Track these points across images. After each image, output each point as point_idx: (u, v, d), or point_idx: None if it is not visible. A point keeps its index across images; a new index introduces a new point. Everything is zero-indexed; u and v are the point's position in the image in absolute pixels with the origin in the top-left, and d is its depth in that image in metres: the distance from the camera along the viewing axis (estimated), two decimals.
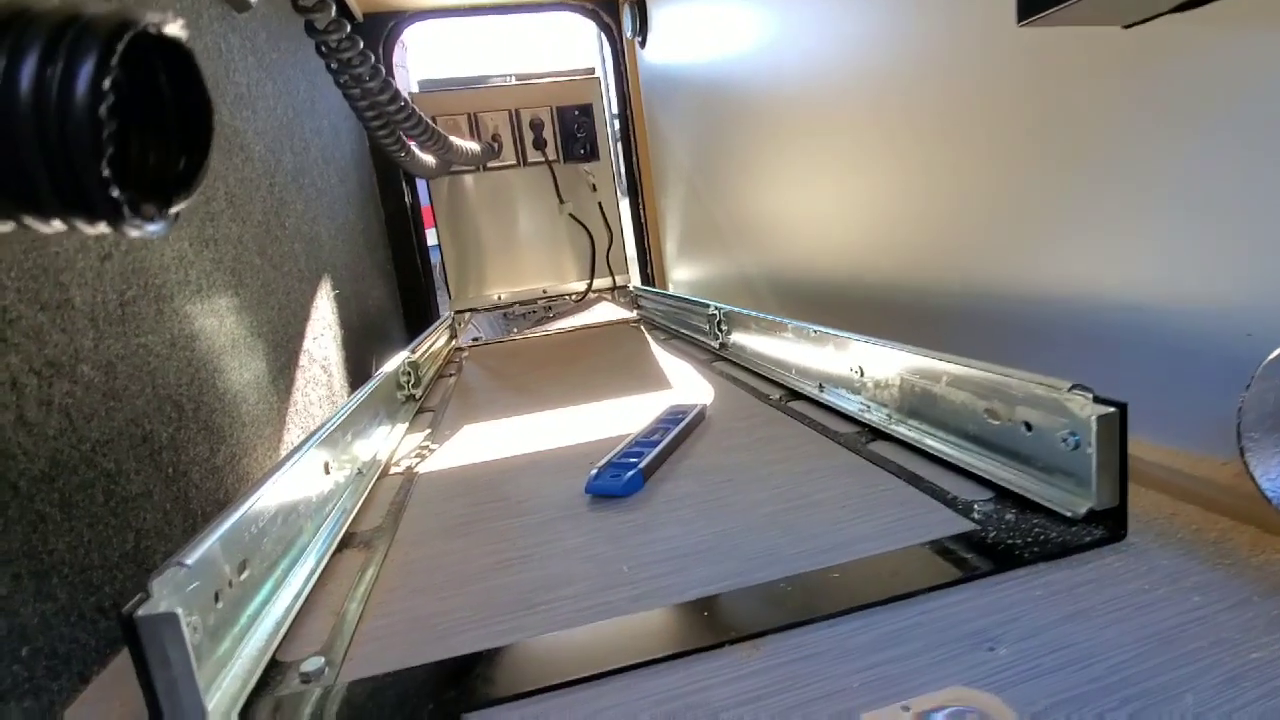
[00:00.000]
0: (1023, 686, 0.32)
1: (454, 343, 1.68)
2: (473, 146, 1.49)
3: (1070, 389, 0.45)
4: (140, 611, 0.31)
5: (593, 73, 1.86)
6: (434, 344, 1.39)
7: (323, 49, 1.01)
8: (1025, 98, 0.63)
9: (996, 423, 0.53)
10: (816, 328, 0.81)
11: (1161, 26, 0.47)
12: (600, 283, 1.88)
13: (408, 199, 1.78)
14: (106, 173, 0.18)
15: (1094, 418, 0.43)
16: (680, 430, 0.74)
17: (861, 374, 0.72)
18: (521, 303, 1.87)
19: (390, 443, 0.84)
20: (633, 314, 1.77)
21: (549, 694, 0.36)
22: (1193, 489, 0.48)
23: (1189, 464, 0.49)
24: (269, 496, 0.47)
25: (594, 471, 0.63)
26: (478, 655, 0.40)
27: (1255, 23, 0.43)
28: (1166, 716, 0.29)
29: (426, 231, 1.87)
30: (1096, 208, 0.57)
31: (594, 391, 1.05)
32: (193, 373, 0.61)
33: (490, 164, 1.75)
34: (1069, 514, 0.46)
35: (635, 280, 1.94)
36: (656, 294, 1.64)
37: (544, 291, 1.87)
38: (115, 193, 0.18)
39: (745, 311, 1.05)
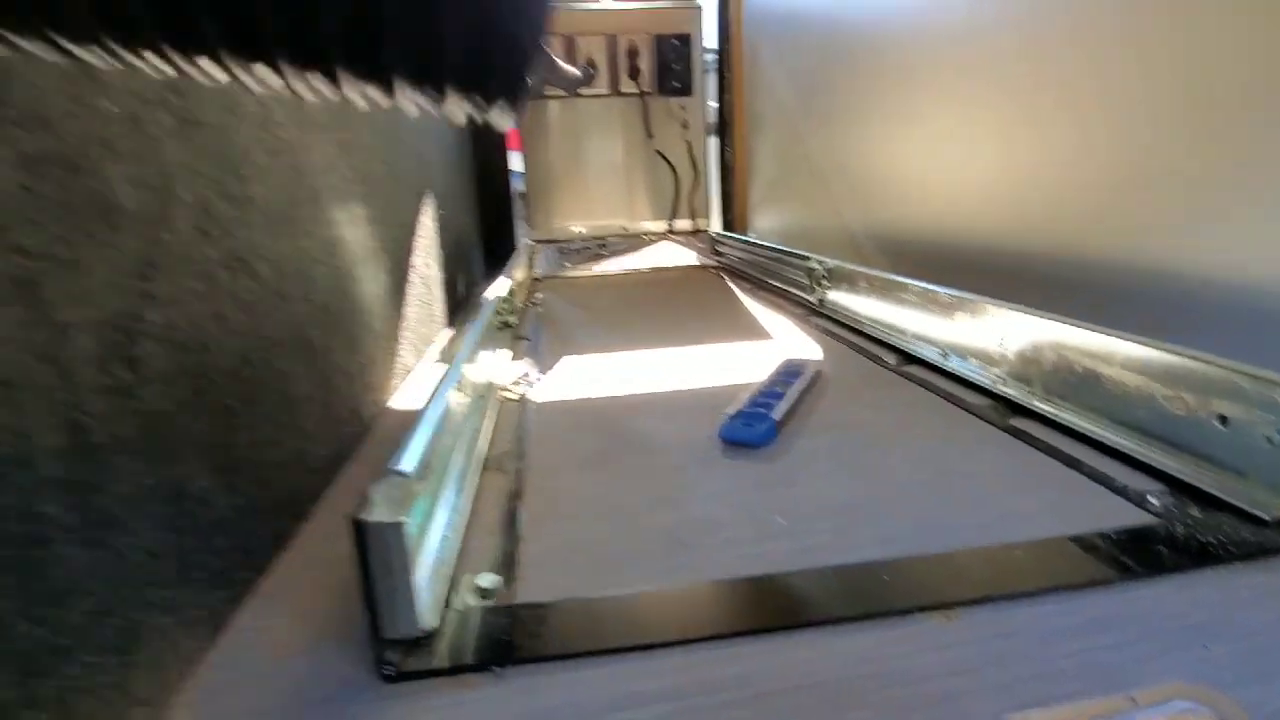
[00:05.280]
0: (1252, 688, 0.31)
1: (533, 272, 1.67)
2: (573, 71, 1.43)
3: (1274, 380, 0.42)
4: (371, 517, 0.31)
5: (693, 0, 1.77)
6: (518, 272, 1.38)
7: None
8: (1225, 45, 0.56)
9: (1181, 413, 0.50)
10: (949, 291, 0.77)
11: None
12: (680, 224, 1.83)
13: None
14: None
15: None
16: (803, 384, 0.72)
17: (1001, 344, 0.69)
18: (597, 238, 1.84)
19: (498, 368, 0.85)
20: (710, 260, 1.73)
21: (727, 641, 0.35)
22: None
23: None
24: (435, 412, 0.47)
25: (725, 418, 0.62)
26: (647, 594, 0.40)
27: None
28: None
29: (508, 155, 1.83)
30: (1268, 175, 0.52)
31: (690, 335, 1.03)
32: (336, 280, 0.61)
33: (584, 91, 1.69)
34: (1263, 515, 0.43)
35: (716, 225, 1.89)
36: (741, 241, 1.60)
37: (623, 229, 1.83)
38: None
39: (856, 268, 1.01)
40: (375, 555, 0.32)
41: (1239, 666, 0.32)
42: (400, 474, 0.34)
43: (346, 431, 0.61)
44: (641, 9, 1.69)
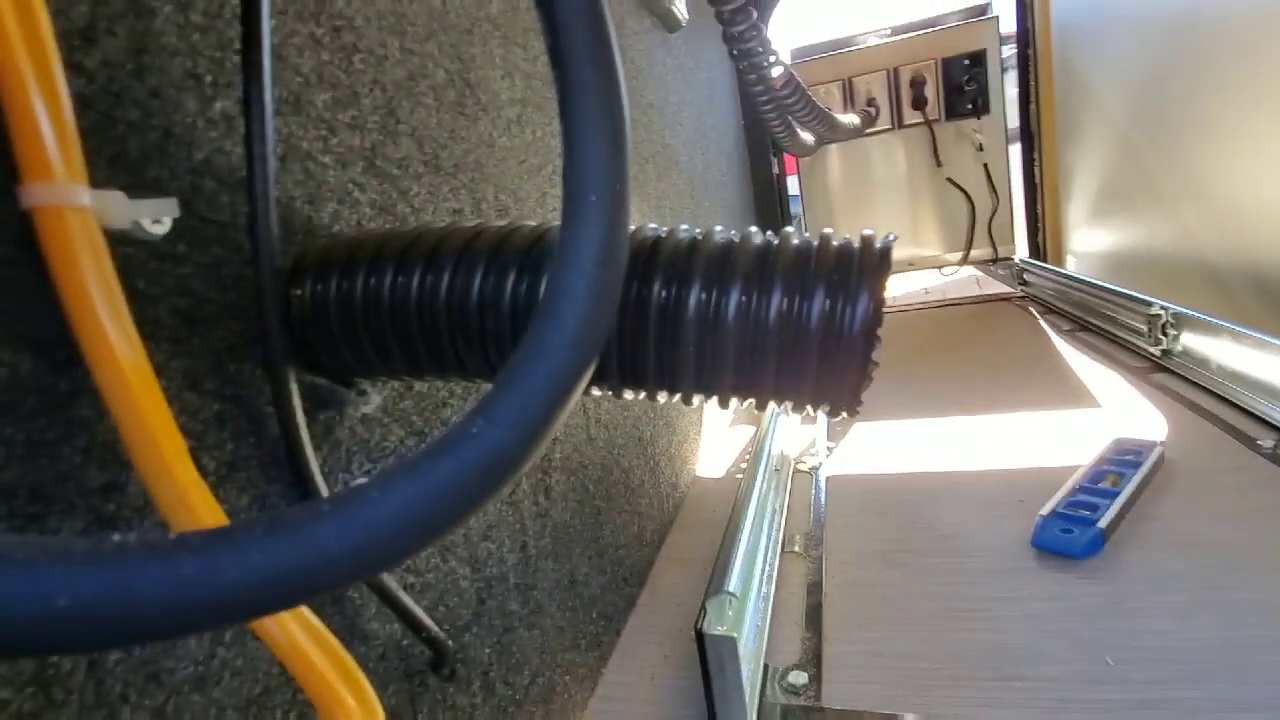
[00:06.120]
0: None
1: None
2: (853, 120, 1.44)
3: None
4: (708, 630, 0.40)
5: (985, 12, 1.63)
6: None
7: (730, 43, 1.07)
8: None
9: None
10: None
11: None
12: (977, 253, 1.69)
13: (774, 170, 1.82)
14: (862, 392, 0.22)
15: None
16: (1139, 476, 0.64)
17: None
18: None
19: (791, 436, 0.90)
20: (1015, 291, 1.57)
21: None
22: None
23: None
24: (746, 511, 0.54)
25: (1040, 519, 0.59)
26: None
27: None
28: None
29: (787, 179, 1.88)
30: None
31: (996, 396, 0.97)
32: None
33: (866, 131, 1.68)
34: None
35: (1021, 252, 1.70)
36: (1054, 272, 1.42)
37: (909, 263, 1.76)
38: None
39: (1218, 321, 0.85)
40: (713, 661, 0.40)
41: None
42: (730, 594, 0.41)
43: (669, 504, 0.72)
44: (926, 35, 1.61)
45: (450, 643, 0.33)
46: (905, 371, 1.16)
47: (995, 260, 1.68)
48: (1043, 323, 1.33)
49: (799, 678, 0.46)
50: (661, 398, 0.26)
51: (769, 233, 0.25)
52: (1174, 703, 0.40)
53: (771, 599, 0.55)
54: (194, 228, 0.25)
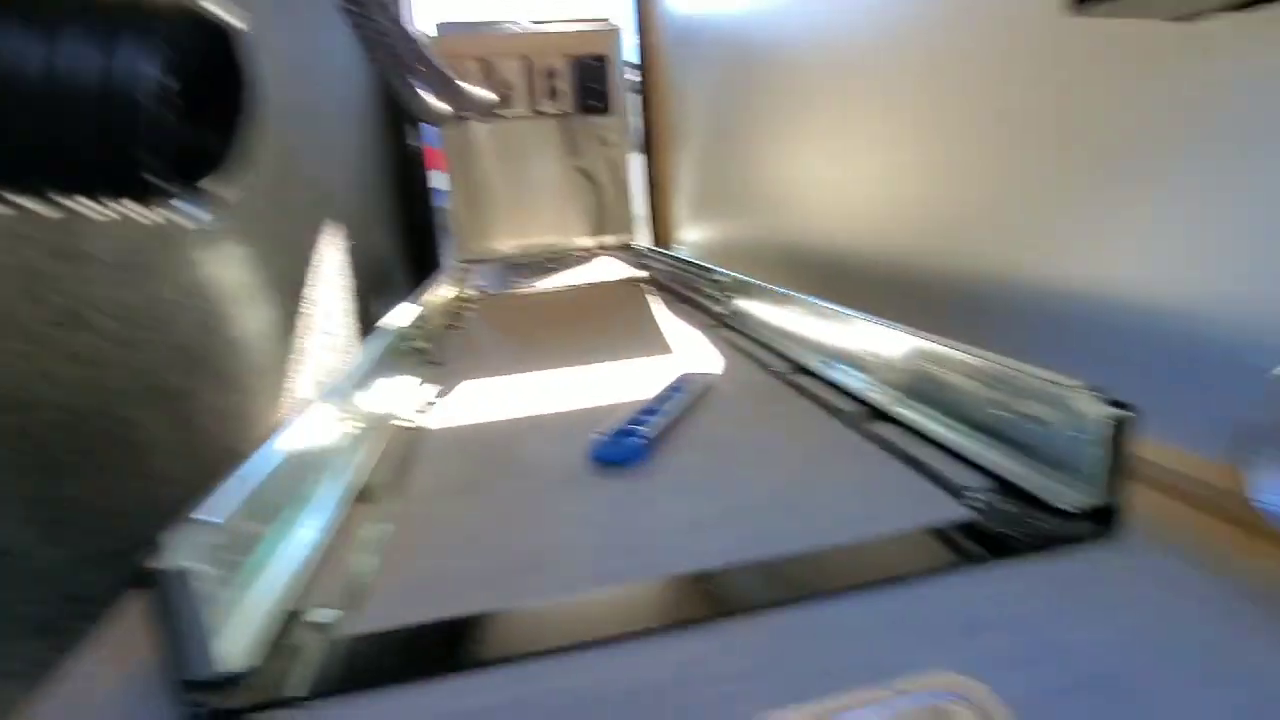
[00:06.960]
0: (1008, 675, 0.34)
1: (459, 293, 1.68)
2: (485, 95, 1.45)
3: (1079, 388, 0.45)
4: (154, 564, 0.32)
5: (609, 21, 1.80)
6: (439, 294, 1.39)
7: None
8: (1061, 85, 0.61)
9: (1004, 414, 0.53)
10: (827, 304, 0.81)
11: (1207, 26, 0.45)
12: (608, 240, 1.86)
13: (413, 143, 1.75)
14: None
15: (1101, 418, 0.43)
16: (687, 400, 0.74)
17: (868, 353, 0.73)
18: (528, 257, 1.86)
19: (398, 396, 0.85)
20: (640, 274, 1.76)
21: (550, 657, 0.37)
22: (1188, 489, 0.49)
23: (1186, 464, 0.50)
24: (282, 449, 0.48)
25: (598, 439, 0.64)
26: (481, 616, 0.41)
27: None
28: (1144, 713, 0.30)
29: (430, 174, 1.83)
30: (1118, 204, 0.56)
31: (600, 353, 1.05)
32: (202, 321, 0.62)
33: (501, 112, 1.71)
34: (1066, 509, 0.47)
35: (644, 240, 1.92)
36: (663, 255, 1.63)
37: (551, 246, 1.85)
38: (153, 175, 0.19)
39: (754, 281, 1.05)
40: (166, 601, 0.32)
41: (1003, 655, 0.35)
42: (200, 521, 0.35)
43: (222, 470, 0.61)
44: (558, 32, 1.72)
45: None
46: (528, 342, 1.21)
47: (624, 247, 1.87)
48: (654, 298, 1.51)
49: (328, 615, 0.41)
50: None
51: None
52: (671, 561, 0.46)
53: (324, 545, 0.49)
54: None
